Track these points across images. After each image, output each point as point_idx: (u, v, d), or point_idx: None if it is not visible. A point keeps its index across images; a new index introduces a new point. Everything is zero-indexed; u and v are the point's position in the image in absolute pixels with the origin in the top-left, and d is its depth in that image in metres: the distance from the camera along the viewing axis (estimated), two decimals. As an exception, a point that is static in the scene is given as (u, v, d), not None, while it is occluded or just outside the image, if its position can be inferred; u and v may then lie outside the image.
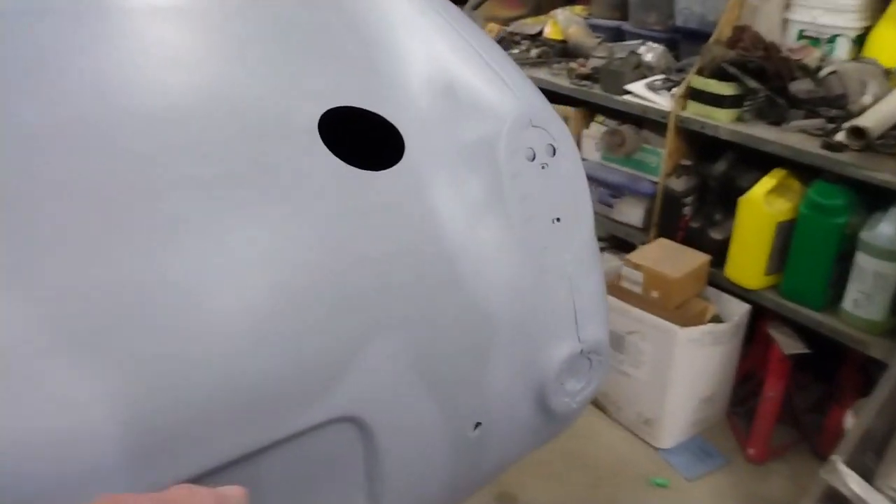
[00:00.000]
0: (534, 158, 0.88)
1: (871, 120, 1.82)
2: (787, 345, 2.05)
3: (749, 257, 2.09)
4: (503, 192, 0.85)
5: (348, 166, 0.78)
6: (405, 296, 0.77)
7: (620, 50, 2.51)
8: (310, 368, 0.70)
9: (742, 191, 2.06)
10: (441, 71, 0.88)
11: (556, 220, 0.88)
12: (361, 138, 0.92)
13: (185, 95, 0.74)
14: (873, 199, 1.83)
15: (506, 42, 2.83)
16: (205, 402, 0.65)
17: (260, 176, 0.73)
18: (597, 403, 2.36)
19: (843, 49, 2.12)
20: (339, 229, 0.75)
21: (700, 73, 2.14)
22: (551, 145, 0.89)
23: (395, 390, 0.77)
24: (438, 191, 0.82)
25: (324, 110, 0.79)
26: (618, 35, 2.72)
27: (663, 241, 2.30)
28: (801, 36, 2.18)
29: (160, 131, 0.70)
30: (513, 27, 2.92)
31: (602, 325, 0.93)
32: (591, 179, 2.55)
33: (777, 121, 2.03)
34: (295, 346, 0.69)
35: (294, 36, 0.85)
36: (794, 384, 2.14)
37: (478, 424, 0.86)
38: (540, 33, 2.81)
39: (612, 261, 2.59)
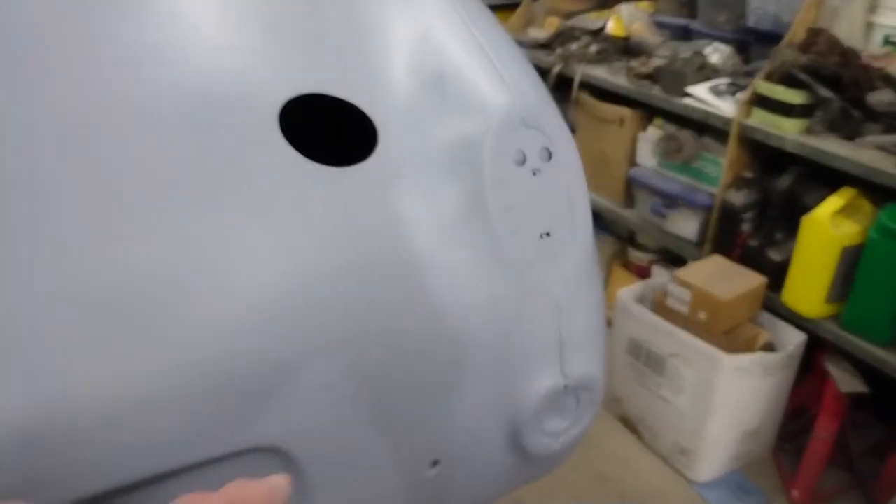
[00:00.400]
0: (524, 163, 0.76)
1: (959, 139, 1.61)
2: (845, 382, 1.85)
3: (809, 283, 1.90)
4: (485, 200, 0.73)
5: (305, 160, 0.68)
6: (352, 316, 0.67)
7: (685, 50, 2.33)
8: (226, 393, 0.61)
9: (806, 209, 1.87)
10: (430, 55, 0.77)
11: (545, 235, 0.77)
12: (338, 129, 0.83)
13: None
14: (954, 228, 1.62)
15: (564, 37, 2.68)
16: (109, 416, 0.57)
17: (195, 169, 0.64)
18: (631, 427, 2.20)
19: (934, 58, 1.89)
20: (279, 233, 0.65)
21: (768, 78, 1.96)
22: (546, 149, 0.77)
23: (331, 423, 0.67)
24: (408, 195, 0.71)
25: (288, 96, 0.70)
26: (685, 34, 2.54)
27: (717, 259, 2.12)
28: (886, 41, 1.97)
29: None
30: (573, 21, 2.77)
31: (594, 359, 0.81)
32: (645, 187, 2.39)
33: (850, 134, 1.83)
34: (210, 369, 0.60)
35: (271, 7, 0.76)
36: (850, 424, 1.93)
37: (436, 462, 0.75)
38: (602, 29, 2.66)
39: (661, 276, 2.42)
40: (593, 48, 2.58)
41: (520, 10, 3.06)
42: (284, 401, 0.64)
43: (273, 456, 0.65)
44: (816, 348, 2.00)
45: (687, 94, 2.18)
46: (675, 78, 2.21)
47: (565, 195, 0.78)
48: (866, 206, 1.82)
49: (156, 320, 0.60)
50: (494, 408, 0.76)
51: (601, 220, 2.74)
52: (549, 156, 0.77)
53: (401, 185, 0.71)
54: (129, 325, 0.59)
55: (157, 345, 0.60)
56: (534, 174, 0.76)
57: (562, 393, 0.79)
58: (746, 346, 1.99)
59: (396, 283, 0.70)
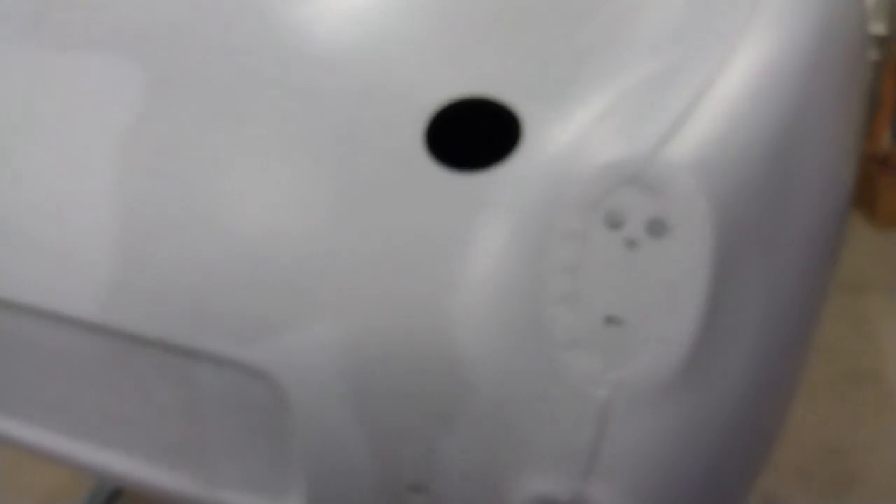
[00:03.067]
0: (618, 228, 0.57)
1: None
2: None
3: None
4: (544, 250, 0.59)
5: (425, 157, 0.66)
6: (367, 307, 0.64)
7: None
8: (251, 304, 0.68)
9: None
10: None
11: (611, 320, 0.57)
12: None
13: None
14: None
15: None
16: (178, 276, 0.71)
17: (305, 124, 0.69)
18: None
19: None
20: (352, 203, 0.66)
21: None
22: (661, 221, 0.56)
23: (321, 386, 0.66)
24: (485, 226, 0.62)
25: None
26: None
27: None
28: None
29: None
30: None
31: (634, 495, 0.58)
32: None
33: None
34: (247, 277, 0.68)
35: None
36: None
37: (420, 488, 0.67)
38: None
39: None
40: None
41: None
42: (286, 341, 0.67)
43: (267, 386, 0.69)
44: None
45: None
46: None
47: (669, 285, 0.57)
48: None
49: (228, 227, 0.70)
50: (484, 474, 0.64)
51: None
52: (662, 230, 0.57)
53: (486, 214, 0.63)
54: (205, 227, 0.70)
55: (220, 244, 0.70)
56: (628, 246, 0.57)
57: (567, 509, 0.61)
58: None
59: (422, 295, 0.63)
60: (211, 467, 0.82)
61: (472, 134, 0.66)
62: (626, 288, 0.57)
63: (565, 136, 0.62)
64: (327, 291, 0.66)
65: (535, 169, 0.62)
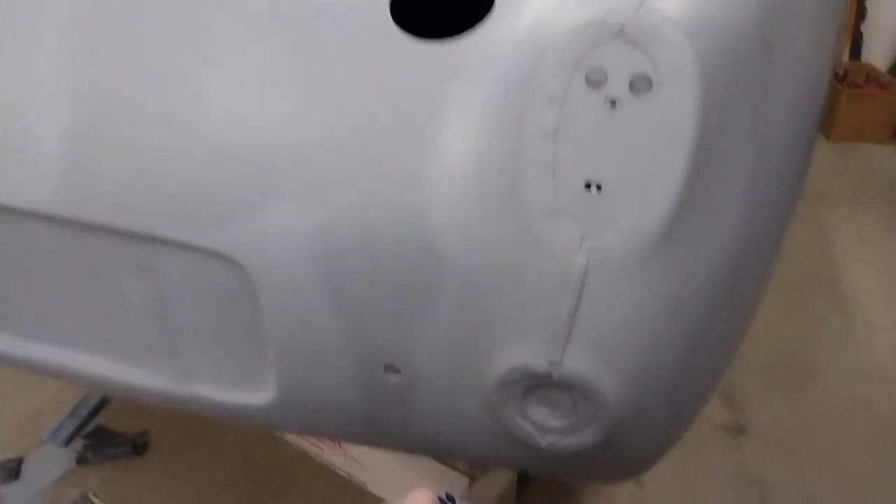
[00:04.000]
0: (600, 86, 0.53)
1: None
2: None
3: None
4: (523, 114, 0.55)
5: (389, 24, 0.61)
6: (342, 181, 0.60)
7: None
8: (213, 192, 0.63)
9: None
10: None
11: (591, 187, 0.54)
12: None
13: None
14: None
15: None
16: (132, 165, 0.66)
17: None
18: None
19: None
20: (316, 77, 0.61)
21: None
22: (645, 76, 0.52)
23: (291, 267, 0.63)
24: (459, 95, 0.58)
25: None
26: None
27: None
28: None
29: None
30: None
31: (609, 369, 0.57)
32: None
33: None
34: (209, 166, 0.63)
35: None
36: None
37: (395, 370, 0.65)
38: None
39: None
40: None
41: None
42: (252, 225, 0.63)
43: (235, 272, 0.65)
44: None
45: None
46: None
47: (652, 145, 0.53)
48: None
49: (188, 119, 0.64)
50: (460, 349, 0.62)
51: None
52: (650, 86, 0.53)
53: (460, 84, 0.58)
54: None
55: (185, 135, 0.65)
56: (611, 105, 0.54)
57: (544, 381, 0.59)
58: None
59: (396, 170, 0.59)
60: (183, 361, 0.79)
61: (442, 4, 0.61)
62: (607, 151, 0.54)
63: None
64: (295, 172, 0.61)
65: (510, 33, 0.57)
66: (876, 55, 3.42)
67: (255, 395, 0.76)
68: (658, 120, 0.53)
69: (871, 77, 3.31)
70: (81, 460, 1.77)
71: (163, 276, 0.72)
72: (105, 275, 0.76)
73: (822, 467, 1.70)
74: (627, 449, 0.65)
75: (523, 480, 1.52)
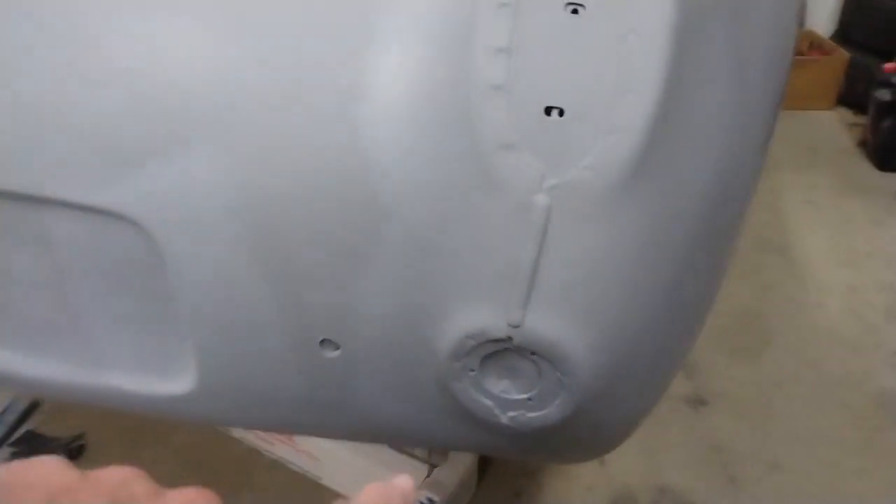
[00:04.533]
0: (561, -11, 0.44)
1: None
2: None
3: None
4: (462, 30, 0.45)
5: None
6: (261, 123, 0.49)
7: None
8: (104, 148, 0.52)
9: None
10: None
11: (551, 111, 0.45)
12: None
13: None
14: None
15: None
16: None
17: None
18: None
19: None
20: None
21: None
22: (611, -22, 0.44)
23: (203, 229, 0.52)
24: (388, 12, 0.48)
25: None
26: None
27: None
28: None
29: None
30: None
31: (578, 330, 0.48)
32: None
33: None
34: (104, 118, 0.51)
35: None
36: None
37: (333, 344, 0.55)
38: None
39: None
40: None
41: None
42: (149, 178, 0.52)
43: (137, 236, 0.54)
44: None
45: None
46: None
47: (621, 58, 0.45)
48: None
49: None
50: (406, 316, 0.52)
51: None
52: (614, -10, 0.44)
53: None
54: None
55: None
56: (573, 11, 0.45)
57: (504, 348, 0.50)
58: None
59: (324, 105, 0.49)
60: (91, 347, 0.68)
61: None
62: (570, 66, 0.45)
63: None
64: (201, 112, 0.51)
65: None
66: (818, 22, 3.44)
67: (175, 383, 0.65)
68: (629, 26, 0.44)
69: (815, 44, 3.32)
70: (9, 470, 1.62)
71: (57, 245, 0.60)
72: (-9, 247, 0.64)
73: (782, 434, 1.69)
74: (598, 423, 0.57)
75: (483, 464, 1.46)
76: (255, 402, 0.64)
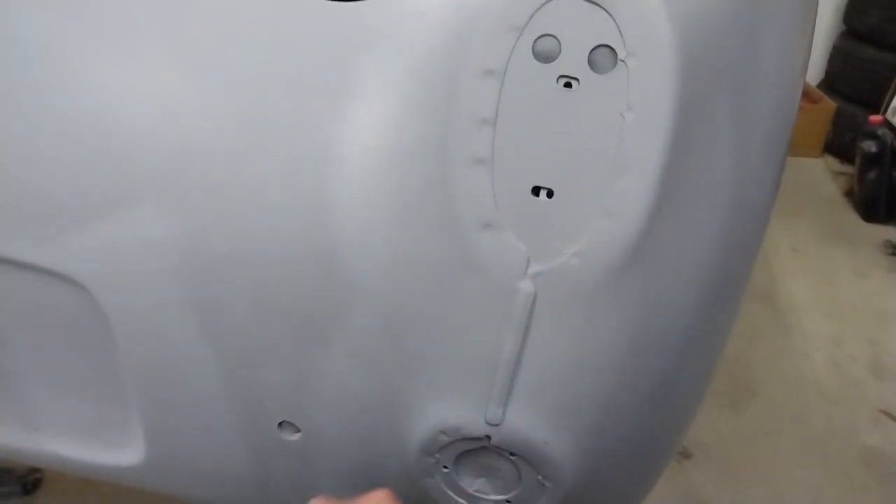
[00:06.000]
0: (552, 60, 0.40)
1: None
2: None
3: None
4: (445, 95, 0.41)
5: None
6: (220, 173, 0.44)
7: None
8: (49, 201, 0.47)
9: None
10: None
11: (539, 192, 0.41)
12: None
13: None
14: None
15: None
16: None
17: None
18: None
19: None
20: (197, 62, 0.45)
21: None
22: (610, 49, 0.40)
23: (143, 284, 0.47)
24: (368, 68, 0.43)
25: None
26: None
27: None
28: None
29: None
30: None
31: (559, 430, 0.43)
32: None
33: None
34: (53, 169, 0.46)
35: None
36: None
37: (293, 427, 0.50)
38: None
39: None
40: None
41: None
42: (92, 236, 0.46)
43: (80, 296, 0.49)
44: None
45: None
46: None
47: (619, 136, 0.40)
48: None
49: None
50: (373, 405, 0.47)
51: None
52: (611, 63, 0.40)
53: (373, 52, 0.43)
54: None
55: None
56: (566, 85, 0.40)
57: (480, 446, 0.45)
58: None
59: (292, 167, 0.44)
60: (34, 411, 0.62)
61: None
62: (560, 144, 0.40)
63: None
64: (157, 169, 0.46)
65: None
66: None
67: (122, 455, 0.59)
68: (626, 104, 0.40)
69: (802, 92, 3.34)
70: (-41, 505, 1.53)
71: (-3, 303, 0.55)
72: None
73: (765, 487, 1.65)
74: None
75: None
76: (207, 480, 0.58)
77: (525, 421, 0.44)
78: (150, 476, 0.59)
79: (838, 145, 3.19)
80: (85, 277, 0.48)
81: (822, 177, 3.21)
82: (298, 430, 0.50)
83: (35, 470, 1.60)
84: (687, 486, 1.65)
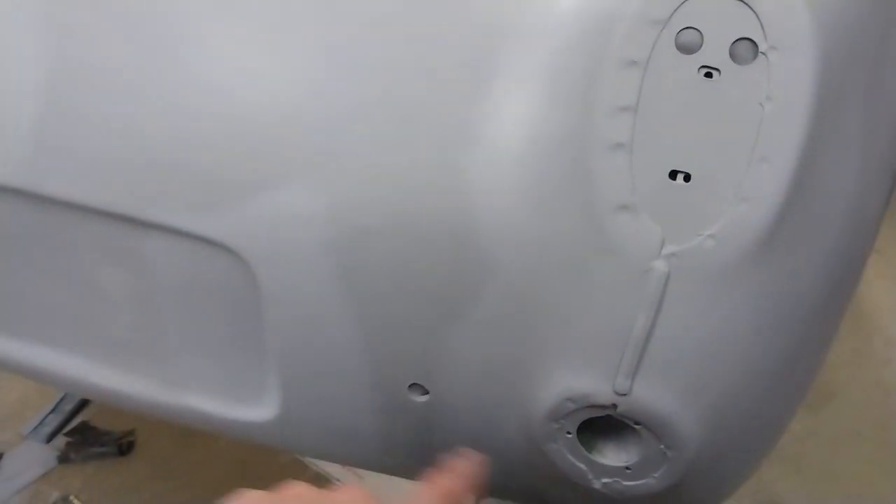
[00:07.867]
0: (695, 52, 0.43)
1: None
2: None
3: None
4: (585, 84, 0.44)
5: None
6: (362, 167, 0.49)
7: None
8: (200, 173, 0.52)
9: None
10: None
11: (677, 176, 0.44)
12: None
13: None
14: None
15: None
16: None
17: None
18: None
19: None
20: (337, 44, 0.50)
21: None
22: (751, 41, 0.42)
23: (298, 263, 0.52)
24: (503, 53, 0.47)
25: None
26: None
27: None
28: None
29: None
30: None
31: (688, 405, 0.46)
32: None
33: None
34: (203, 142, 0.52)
35: None
36: None
37: (421, 389, 0.54)
38: None
39: None
40: None
41: None
42: (252, 208, 0.52)
43: (233, 264, 0.54)
44: None
45: None
46: None
47: (756, 129, 0.42)
48: None
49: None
50: (501, 370, 0.51)
51: None
52: (752, 55, 0.42)
53: (512, 43, 0.47)
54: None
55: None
56: (706, 75, 0.43)
57: (607, 411, 0.48)
58: None
59: (433, 148, 0.48)
60: (172, 367, 0.68)
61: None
62: (700, 131, 0.43)
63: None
64: (307, 147, 0.50)
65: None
66: None
67: (255, 411, 0.65)
68: (765, 94, 0.42)
69: None
70: (63, 459, 1.65)
71: (149, 266, 0.61)
72: (83, 262, 0.65)
73: (840, 490, 1.62)
74: (693, 493, 0.54)
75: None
76: (334, 437, 0.63)
77: (652, 392, 0.47)
78: (281, 432, 0.65)
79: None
80: (241, 247, 0.53)
81: (910, 175, 3.09)
82: (427, 392, 0.55)
83: (129, 433, 1.71)
84: (757, 483, 1.63)
